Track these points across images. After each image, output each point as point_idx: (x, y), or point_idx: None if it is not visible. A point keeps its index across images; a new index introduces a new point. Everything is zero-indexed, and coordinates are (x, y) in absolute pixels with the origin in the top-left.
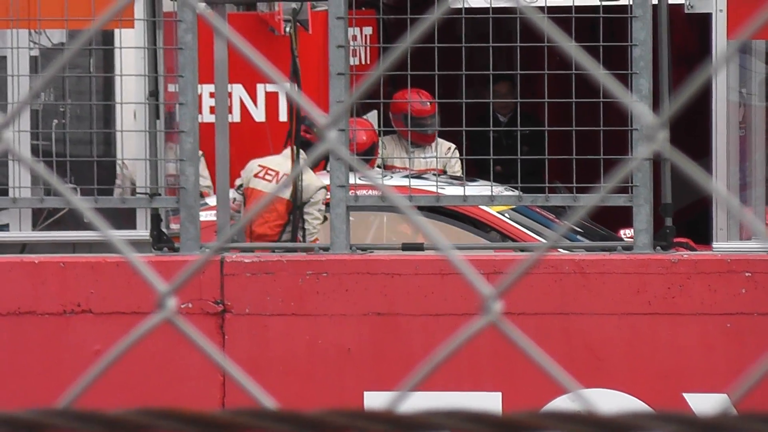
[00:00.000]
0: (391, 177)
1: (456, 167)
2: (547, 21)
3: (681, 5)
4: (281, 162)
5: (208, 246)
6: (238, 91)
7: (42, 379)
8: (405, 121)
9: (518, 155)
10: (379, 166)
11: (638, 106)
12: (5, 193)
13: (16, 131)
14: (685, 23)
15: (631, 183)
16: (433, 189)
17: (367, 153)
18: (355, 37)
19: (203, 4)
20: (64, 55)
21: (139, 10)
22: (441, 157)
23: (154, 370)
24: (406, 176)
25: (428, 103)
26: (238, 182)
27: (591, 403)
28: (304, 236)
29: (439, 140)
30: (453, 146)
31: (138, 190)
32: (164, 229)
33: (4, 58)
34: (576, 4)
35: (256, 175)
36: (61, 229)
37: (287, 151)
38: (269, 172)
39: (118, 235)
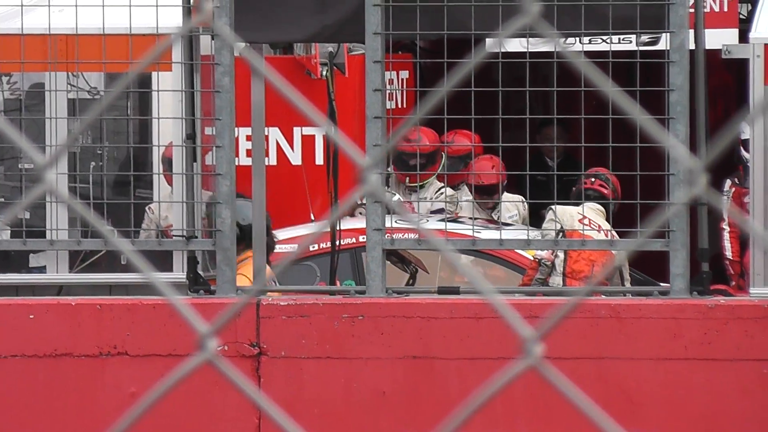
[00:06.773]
0: (427, 221)
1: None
2: (587, 64)
3: (718, 50)
4: (594, 216)
5: (245, 289)
6: (274, 134)
7: (78, 421)
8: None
9: (554, 199)
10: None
11: (678, 150)
12: (42, 235)
13: (55, 174)
14: (723, 68)
15: (668, 228)
16: (469, 233)
17: (430, 159)
18: (391, 81)
19: (244, 44)
20: (104, 98)
21: (177, 54)
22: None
23: (189, 411)
24: (442, 219)
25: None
26: (555, 227)
27: None
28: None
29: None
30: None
31: (174, 233)
32: (200, 272)
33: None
34: (613, 49)
35: (580, 221)
36: (98, 272)
37: (591, 205)
38: (592, 223)
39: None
